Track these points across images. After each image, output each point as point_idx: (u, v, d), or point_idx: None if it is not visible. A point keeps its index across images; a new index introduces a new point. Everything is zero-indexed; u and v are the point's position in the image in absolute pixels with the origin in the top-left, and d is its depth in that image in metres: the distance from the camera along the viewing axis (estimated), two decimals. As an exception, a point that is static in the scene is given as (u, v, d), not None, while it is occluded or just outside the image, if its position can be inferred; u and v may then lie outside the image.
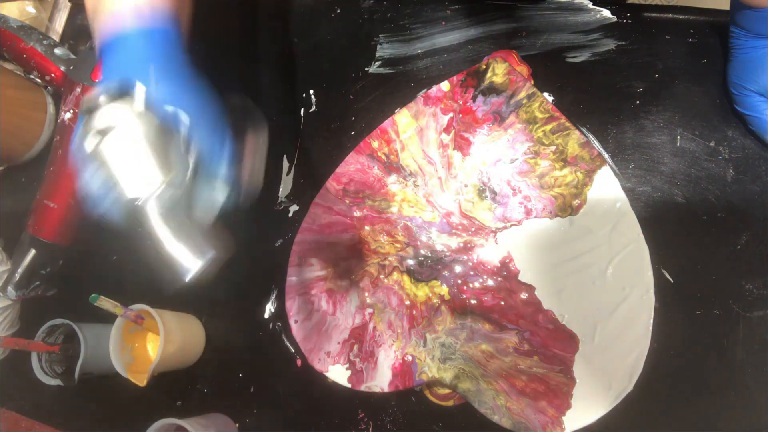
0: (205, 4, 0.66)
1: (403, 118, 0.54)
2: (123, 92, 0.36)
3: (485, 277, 0.51)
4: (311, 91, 0.61)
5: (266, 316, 0.57)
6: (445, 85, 0.54)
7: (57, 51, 0.62)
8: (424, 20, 0.58)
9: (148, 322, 0.54)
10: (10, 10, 0.72)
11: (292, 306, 0.54)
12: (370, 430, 0.52)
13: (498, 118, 0.52)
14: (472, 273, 0.51)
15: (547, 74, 0.54)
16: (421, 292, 0.52)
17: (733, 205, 0.48)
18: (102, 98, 0.36)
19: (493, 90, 0.52)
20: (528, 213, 0.51)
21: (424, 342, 0.50)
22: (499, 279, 0.50)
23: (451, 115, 0.54)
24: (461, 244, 0.52)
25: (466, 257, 0.52)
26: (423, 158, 0.54)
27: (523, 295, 0.49)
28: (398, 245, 0.53)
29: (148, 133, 0.36)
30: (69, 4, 0.73)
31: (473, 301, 0.50)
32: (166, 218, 0.36)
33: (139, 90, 0.36)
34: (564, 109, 0.52)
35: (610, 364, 0.46)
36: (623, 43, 0.53)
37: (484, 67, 0.53)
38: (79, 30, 0.72)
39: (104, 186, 0.36)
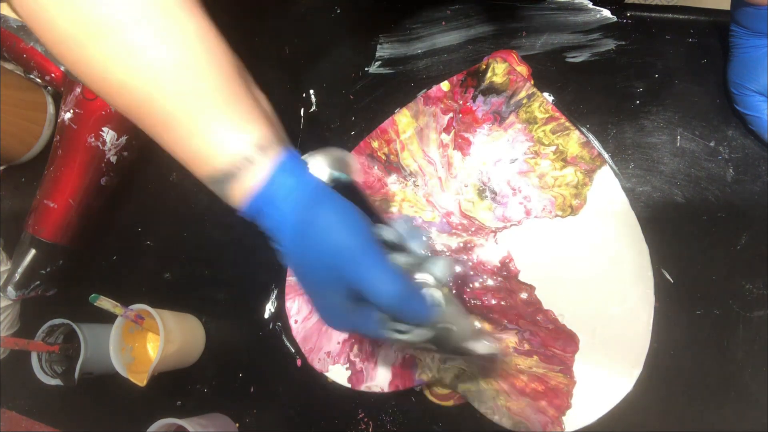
0: (205, 4, 0.66)
1: (403, 118, 0.54)
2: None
3: (485, 277, 0.51)
4: (311, 91, 0.61)
5: (266, 316, 0.57)
6: (445, 85, 0.54)
7: (57, 51, 0.62)
8: (424, 20, 0.58)
9: (148, 322, 0.54)
10: (11, 10, 0.72)
11: (292, 306, 0.54)
12: (370, 430, 0.52)
13: (498, 118, 0.52)
14: (472, 273, 0.51)
15: (547, 74, 0.54)
16: (421, 292, 0.52)
17: (733, 205, 0.48)
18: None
19: (493, 90, 0.52)
20: (528, 213, 0.51)
21: (424, 342, 0.50)
22: (499, 279, 0.50)
23: (451, 115, 0.54)
24: (461, 244, 0.52)
25: (466, 257, 0.52)
26: (423, 158, 0.54)
27: (523, 295, 0.49)
28: (398, 245, 0.53)
29: None
30: (69, 4, 0.73)
31: (473, 301, 0.50)
32: None
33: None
34: (564, 109, 0.52)
35: (610, 364, 0.46)
36: (623, 43, 0.53)
37: (484, 67, 0.53)
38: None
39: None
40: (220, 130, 0.32)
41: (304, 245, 0.32)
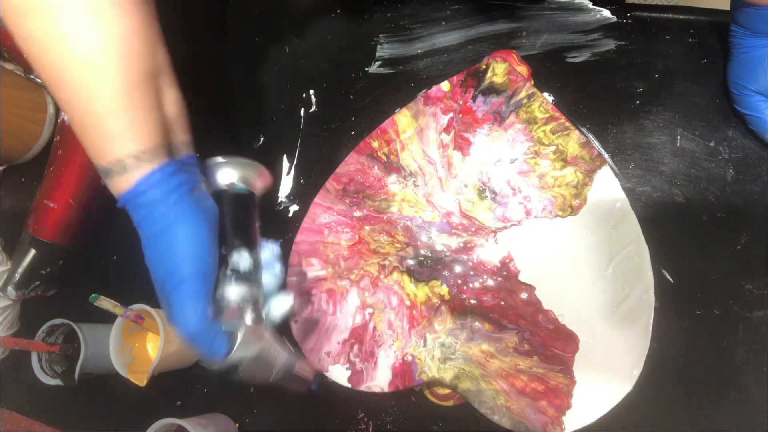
0: (204, 5, 0.66)
1: (403, 118, 0.54)
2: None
3: (485, 277, 0.51)
4: (311, 91, 0.61)
5: (266, 316, 0.57)
6: (445, 85, 0.54)
7: (57, 51, 0.62)
8: (424, 20, 0.58)
9: (148, 322, 0.54)
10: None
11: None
12: (370, 430, 0.52)
13: (498, 118, 0.52)
14: (472, 273, 0.51)
15: (547, 74, 0.54)
16: (421, 292, 0.52)
17: (733, 205, 0.48)
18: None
19: (493, 90, 0.52)
20: (528, 213, 0.51)
21: (424, 342, 0.50)
22: (499, 279, 0.50)
23: (451, 115, 0.54)
24: (461, 244, 0.52)
25: (466, 257, 0.52)
26: (423, 158, 0.54)
27: (523, 295, 0.49)
28: (398, 245, 0.53)
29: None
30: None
31: (473, 301, 0.50)
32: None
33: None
34: (564, 109, 0.52)
35: (610, 364, 0.46)
36: (623, 43, 0.53)
37: (484, 67, 0.53)
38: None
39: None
40: (108, 131, 0.35)
41: (151, 253, 0.37)
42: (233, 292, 0.39)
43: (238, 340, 0.38)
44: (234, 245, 0.40)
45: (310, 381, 0.46)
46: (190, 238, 0.37)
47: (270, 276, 0.42)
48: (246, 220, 0.43)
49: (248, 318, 0.40)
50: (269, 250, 0.43)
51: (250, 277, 0.40)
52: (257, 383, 0.41)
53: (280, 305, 0.42)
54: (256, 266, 0.41)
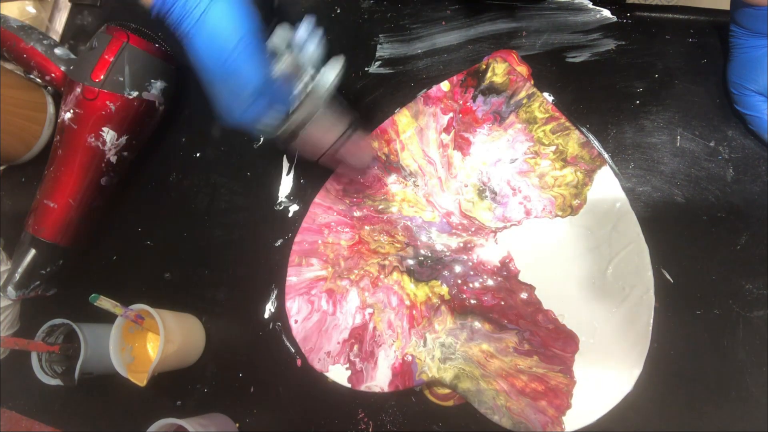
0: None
1: (403, 118, 0.54)
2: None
3: (485, 276, 0.51)
4: (311, 91, 0.60)
5: (266, 316, 0.57)
6: (445, 85, 0.54)
7: (57, 51, 0.62)
8: (424, 20, 0.58)
9: (148, 322, 0.54)
10: (10, 10, 0.72)
11: (292, 306, 0.54)
12: (370, 430, 0.52)
13: (498, 118, 0.52)
14: (472, 273, 0.51)
15: (547, 74, 0.54)
16: (421, 292, 0.52)
17: (733, 205, 0.48)
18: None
19: (493, 90, 0.52)
20: (528, 213, 0.51)
21: (424, 342, 0.50)
22: (499, 279, 0.50)
23: (451, 115, 0.54)
24: (461, 244, 0.52)
25: (466, 257, 0.52)
26: (423, 158, 0.54)
27: (523, 295, 0.49)
28: (398, 245, 0.53)
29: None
30: (69, 4, 0.73)
31: (473, 301, 0.50)
32: None
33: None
34: (564, 109, 0.52)
35: (610, 364, 0.46)
36: (623, 43, 0.53)
37: (484, 67, 0.53)
38: (79, 30, 0.72)
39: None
40: None
41: (200, 41, 0.38)
42: (283, 62, 0.41)
43: (298, 101, 0.40)
44: (272, 23, 0.43)
45: (371, 149, 0.46)
46: (232, 10, 0.38)
47: (315, 46, 0.44)
48: (271, 6, 0.45)
49: (302, 83, 0.42)
50: (307, 23, 0.44)
51: (295, 49, 0.43)
52: (319, 150, 0.43)
53: (330, 69, 0.44)
54: (298, 40, 0.43)
